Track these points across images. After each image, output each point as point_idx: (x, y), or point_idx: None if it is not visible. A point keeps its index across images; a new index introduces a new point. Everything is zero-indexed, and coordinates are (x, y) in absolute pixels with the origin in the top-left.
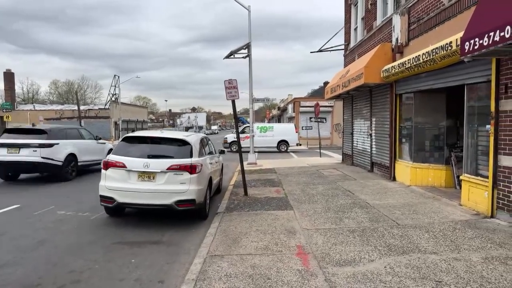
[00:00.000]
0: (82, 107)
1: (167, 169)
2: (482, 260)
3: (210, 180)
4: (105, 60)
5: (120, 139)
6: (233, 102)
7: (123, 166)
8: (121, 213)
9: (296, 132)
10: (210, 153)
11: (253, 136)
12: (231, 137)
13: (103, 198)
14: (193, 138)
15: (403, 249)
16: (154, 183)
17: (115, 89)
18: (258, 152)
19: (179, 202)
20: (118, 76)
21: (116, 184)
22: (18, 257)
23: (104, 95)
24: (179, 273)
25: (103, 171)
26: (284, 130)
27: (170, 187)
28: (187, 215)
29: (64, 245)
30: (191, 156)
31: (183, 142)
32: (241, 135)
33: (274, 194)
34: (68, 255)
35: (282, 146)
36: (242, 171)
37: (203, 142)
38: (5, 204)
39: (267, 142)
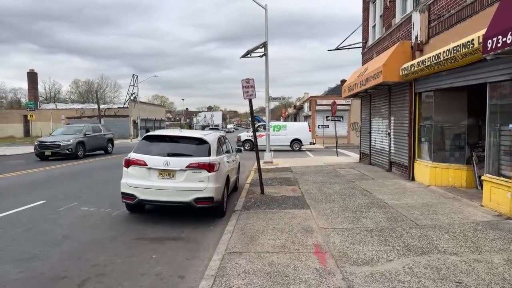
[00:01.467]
0: (101, 106)
1: (186, 167)
2: (504, 261)
3: (228, 178)
4: (123, 60)
5: (141, 137)
6: (250, 101)
7: (144, 164)
8: (141, 209)
9: (310, 131)
10: (228, 151)
11: (269, 134)
12: (244, 135)
13: (125, 195)
14: (211, 137)
15: (422, 249)
16: (173, 181)
17: (133, 88)
18: (272, 150)
19: (197, 200)
20: (137, 76)
21: (137, 182)
22: (45, 251)
23: (123, 94)
24: (199, 269)
25: (124, 168)
26: (297, 129)
27: (189, 184)
28: (205, 213)
29: (87, 241)
30: (209, 154)
31: (201, 141)
32: None
33: (290, 193)
34: (91, 250)
35: (295, 144)
36: (259, 170)
37: (221, 141)
38: (31, 200)
39: (280, 141)
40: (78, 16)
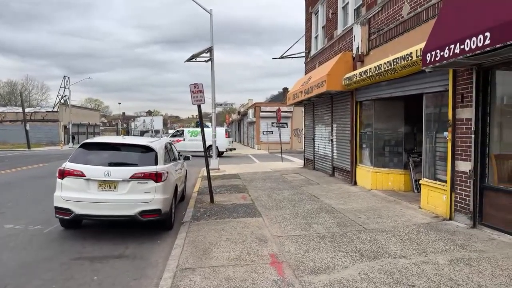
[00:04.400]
0: (27, 110)
1: (130, 178)
2: (448, 262)
3: (176, 188)
4: (53, 59)
5: (72, 144)
6: (199, 106)
7: (82, 175)
8: (78, 225)
9: (227, 137)
10: (174, 159)
11: (215, 141)
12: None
13: (59, 210)
14: (157, 144)
15: (373, 254)
16: (116, 193)
17: (64, 90)
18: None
19: (143, 213)
20: (68, 77)
21: (74, 195)
22: None
23: (52, 97)
24: None
25: (58, 180)
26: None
27: (134, 196)
28: (150, 226)
29: (16, 264)
30: (156, 163)
31: (147, 149)
32: (172, 139)
33: (240, 200)
34: (22, 274)
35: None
36: (209, 178)
37: (167, 148)
38: None
39: (197, 146)
40: (2, 10)
